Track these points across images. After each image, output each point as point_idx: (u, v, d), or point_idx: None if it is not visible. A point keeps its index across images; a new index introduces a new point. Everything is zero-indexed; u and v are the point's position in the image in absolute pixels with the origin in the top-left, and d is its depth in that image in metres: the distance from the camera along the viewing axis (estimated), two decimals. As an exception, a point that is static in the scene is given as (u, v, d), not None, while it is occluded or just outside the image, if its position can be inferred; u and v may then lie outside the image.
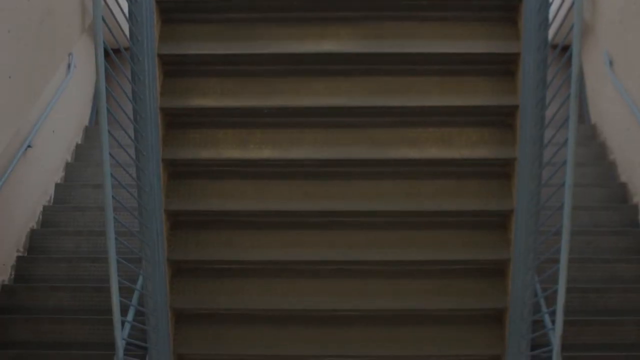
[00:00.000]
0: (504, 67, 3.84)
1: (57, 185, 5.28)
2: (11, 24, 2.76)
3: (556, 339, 2.76)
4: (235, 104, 3.77)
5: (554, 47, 3.98)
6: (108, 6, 3.00)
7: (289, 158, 3.78)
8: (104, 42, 2.73)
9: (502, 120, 3.82)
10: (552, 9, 3.22)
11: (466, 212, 3.78)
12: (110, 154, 2.79)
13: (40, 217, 5.00)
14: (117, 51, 3.15)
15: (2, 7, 2.71)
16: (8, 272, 4.54)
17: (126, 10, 3.28)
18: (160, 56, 3.76)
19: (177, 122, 3.87)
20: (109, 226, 2.79)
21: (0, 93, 2.76)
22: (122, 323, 3.01)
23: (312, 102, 3.78)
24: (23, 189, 4.67)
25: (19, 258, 4.62)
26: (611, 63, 4.96)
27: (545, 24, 3.20)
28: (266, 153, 3.79)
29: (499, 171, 3.81)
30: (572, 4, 2.78)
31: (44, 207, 5.05)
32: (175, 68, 3.86)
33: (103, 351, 3.82)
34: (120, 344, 2.90)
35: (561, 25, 5.01)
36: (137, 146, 3.35)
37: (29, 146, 4.61)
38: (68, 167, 5.51)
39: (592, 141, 5.54)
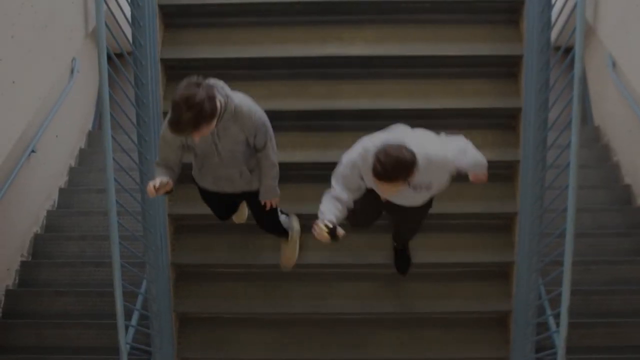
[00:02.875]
0: (506, 70, 3.84)
1: (60, 190, 5.27)
2: (15, 30, 2.77)
3: (561, 341, 2.74)
4: (238, 108, 3.77)
5: (557, 49, 3.97)
6: (111, 11, 3.01)
7: (291, 161, 3.78)
8: (106, 47, 2.74)
9: (505, 122, 3.82)
10: (554, 11, 3.21)
11: (470, 214, 3.77)
12: (113, 159, 2.80)
13: (44, 221, 5.00)
14: (120, 56, 3.15)
15: (6, 13, 2.72)
16: (12, 277, 4.54)
17: (129, 15, 3.29)
18: (162, 60, 3.77)
19: (180, 126, 3.88)
20: (113, 231, 2.79)
21: (4, 98, 2.77)
22: (126, 327, 3.01)
23: (314, 106, 3.78)
24: (27, 193, 4.67)
25: (22, 263, 4.62)
26: (614, 65, 4.94)
27: (547, 26, 3.20)
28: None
29: (503, 174, 3.81)
30: (575, 6, 2.77)
31: (48, 212, 5.04)
32: (178, 72, 3.86)
33: (107, 356, 3.81)
34: (124, 348, 2.90)
35: (563, 27, 5.00)
36: (140, 150, 3.36)
37: (32, 151, 4.61)
38: (71, 171, 5.51)
39: (595, 143, 5.52)
